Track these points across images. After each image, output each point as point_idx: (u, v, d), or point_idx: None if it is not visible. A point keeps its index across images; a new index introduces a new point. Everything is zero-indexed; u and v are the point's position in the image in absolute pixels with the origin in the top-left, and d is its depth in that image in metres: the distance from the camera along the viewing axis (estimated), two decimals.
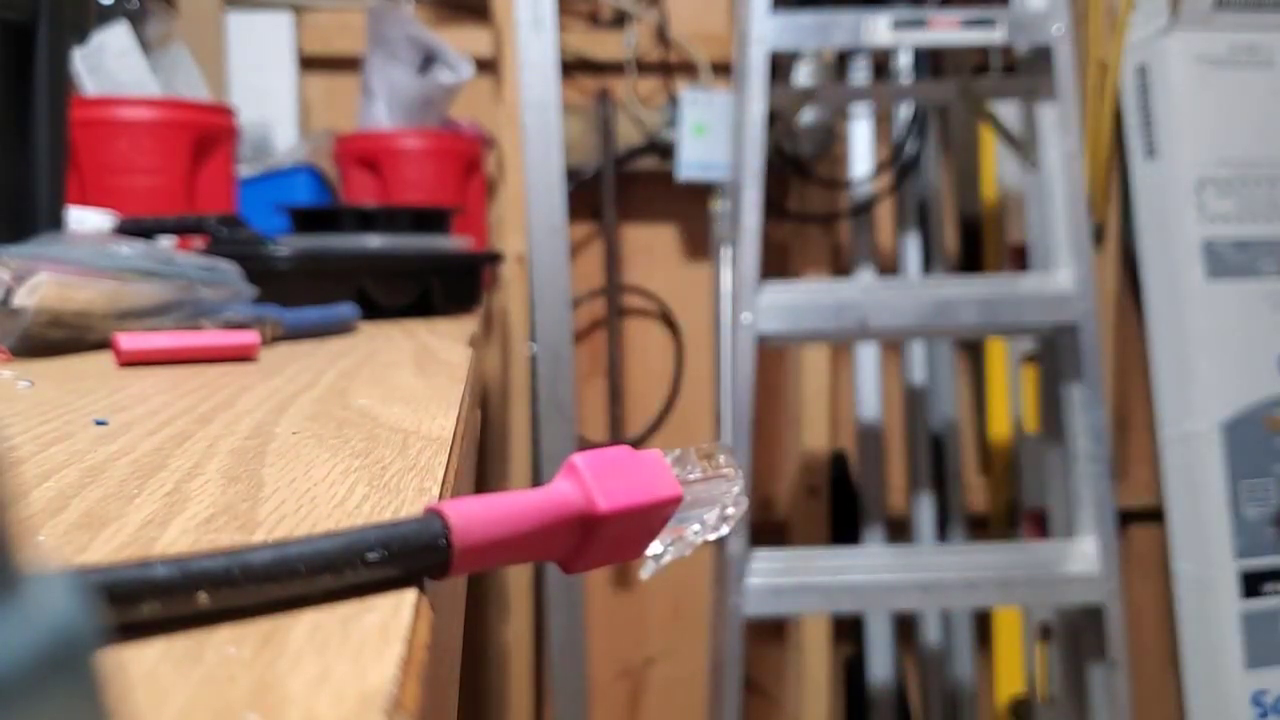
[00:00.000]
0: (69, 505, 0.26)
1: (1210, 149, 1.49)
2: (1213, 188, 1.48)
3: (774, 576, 1.21)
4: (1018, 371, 1.65)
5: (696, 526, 0.28)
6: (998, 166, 1.66)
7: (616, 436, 1.67)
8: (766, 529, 1.69)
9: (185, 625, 0.18)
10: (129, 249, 0.63)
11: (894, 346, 1.71)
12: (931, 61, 1.65)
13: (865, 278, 1.64)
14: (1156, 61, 1.50)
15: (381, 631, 0.18)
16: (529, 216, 1.43)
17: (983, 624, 1.67)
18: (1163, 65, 1.50)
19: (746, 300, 1.21)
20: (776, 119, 1.55)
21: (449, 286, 0.98)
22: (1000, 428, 1.67)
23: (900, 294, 1.24)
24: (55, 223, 0.74)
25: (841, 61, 1.64)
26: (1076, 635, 1.36)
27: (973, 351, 1.73)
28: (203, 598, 0.18)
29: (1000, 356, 1.66)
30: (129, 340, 0.55)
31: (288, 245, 0.87)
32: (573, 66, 1.61)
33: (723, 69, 1.60)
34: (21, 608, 0.09)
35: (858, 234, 1.67)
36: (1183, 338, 1.48)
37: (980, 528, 1.71)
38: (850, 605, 1.27)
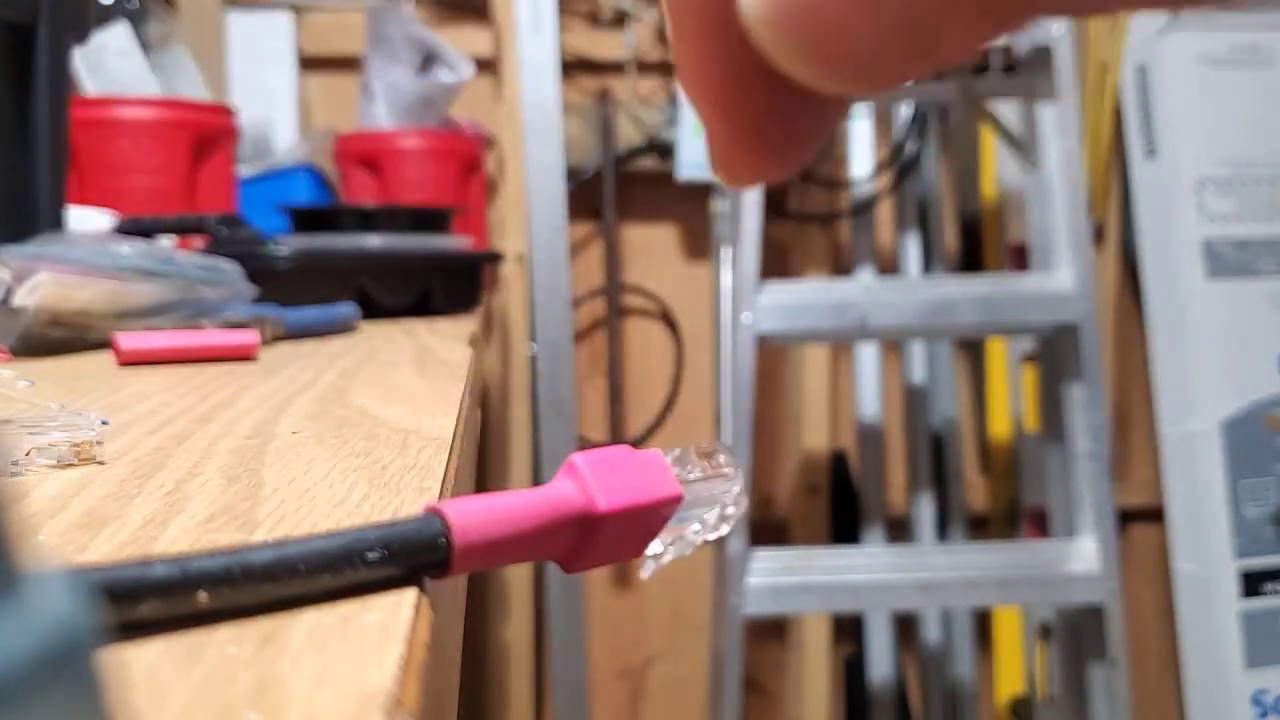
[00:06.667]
0: (69, 505, 0.26)
1: (1210, 149, 1.49)
2: (1213, 187, 1.48)
3: (774, 576, 1.21)
4: (1018, 371, 1.65)
5: (696, 526, 0.28)
6: (998, 166, 1.66)
7: (616, 436, 1.67)
8: (766, 529, 1.69)
9: (185, 625, 0.18)
10: (129, 249, 0.63)
11: (894, 346, 1.71)
12: None
13: (865, 277, 1.64)
14: (1156, 61, 1.50)
15: (381, 631, 0.18)
16: (529, 216, 1.43)
17: (983, 624, 1.67)
18: (1162, 65, 1.50)
19: (746, 300, 1.21)
20: None
21: (449, 286, 0.98)
22: (1000, 427, 1.67)
23: (900, 294, 1.24)
24: (55, 222, 0.74)
25: None
26: (1076, 635, 1.36)
27: (973, 351, 1.73)
28: (203, 597, 0.18)
29: (1000, 356, 1.66)
30: (129, 340, 0.55)
31: (288, 245, 0.87)
32: (573, 66, 1.61)
33: None
34: (21, 607, 0.09)
35: (858, 234, 1.67)
36: (1183, 337, 1.48)
37: (980, 527, 1.71)
38: (850, 605, 1.27)
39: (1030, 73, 1.31)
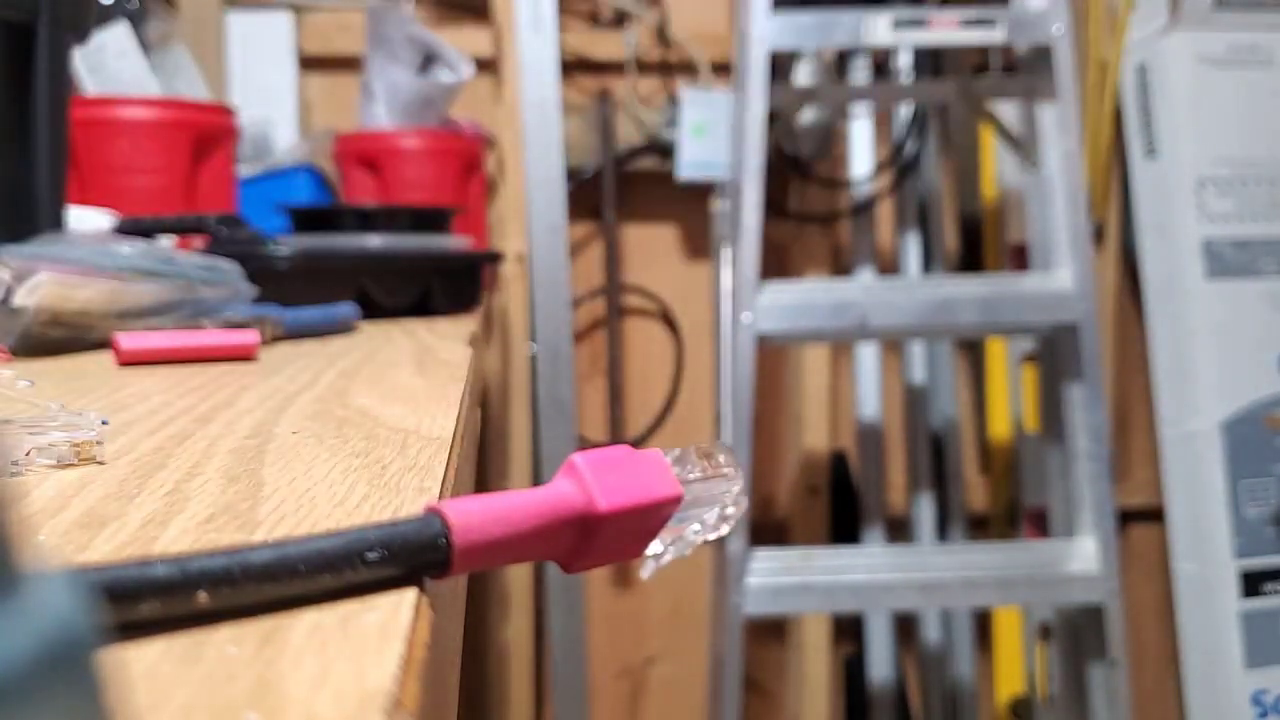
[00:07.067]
0: (69, 504, 0.26)
1: (1210, 148, 1.49)
2: (1213, 187, 1.48)
3: (774, 576, 1.21)
4: (1018, 371, 1.65)
5: (696, 526, 0.28)
6: (998, 166, 1.66)
7: (616, 436, 1.67)
8: (766, 529, 1.69)
9: (185, 624, 0.18)
10: (129, 249, 0.63)
11: (894, 346, 1.71)
12: (931, 61, 1.65)
13: (865, 277, 1.64)
14: (1156, 61, 1.50)
15: (381, 631, 0.18)
16: (529, 216, 1.43)
17: (983, 624, 1.67)
18: (1162, 65, 1.50)
19: (746, 300, 1.21)
20: (776, 119, 1.55)
21: (449, 286, 0.98)
22: (1000, 427, 1.67)
23: (900, 294, 1.24)
24: (55, 222, 0.74)
25: (841, 61, 1.64)
26: (1076, 635, 1.36)
27: (973, 351, 1.73)
28: (203, 597, 0.18)
29: (1000, 356, 1.66)
30: (129, 340, 0.55)
31: (288, 245, 0.87)
32: (573, 66, 1.61)
33: (723, 69, 1.60)
34: (21, 607, 0.09)
35: (858, 234, 1.67)
36: (1183, 337, 1.48)
37: (980, 527, 1.71)
38: (850, 605, 1.27)
39: (1030, 73, 1.31)
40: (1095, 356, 1.23)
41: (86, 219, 0.84)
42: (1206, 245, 1.47)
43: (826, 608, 1.37)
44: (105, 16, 1.13)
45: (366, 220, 0.98)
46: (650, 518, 0.26)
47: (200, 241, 0.86)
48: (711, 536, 0.29)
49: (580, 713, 1.45)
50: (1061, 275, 1.25)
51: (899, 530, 1.68)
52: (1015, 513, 1.68)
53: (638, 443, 1.66)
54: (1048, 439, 1.44)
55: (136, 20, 1.17)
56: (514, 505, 0.23)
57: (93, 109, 1.03)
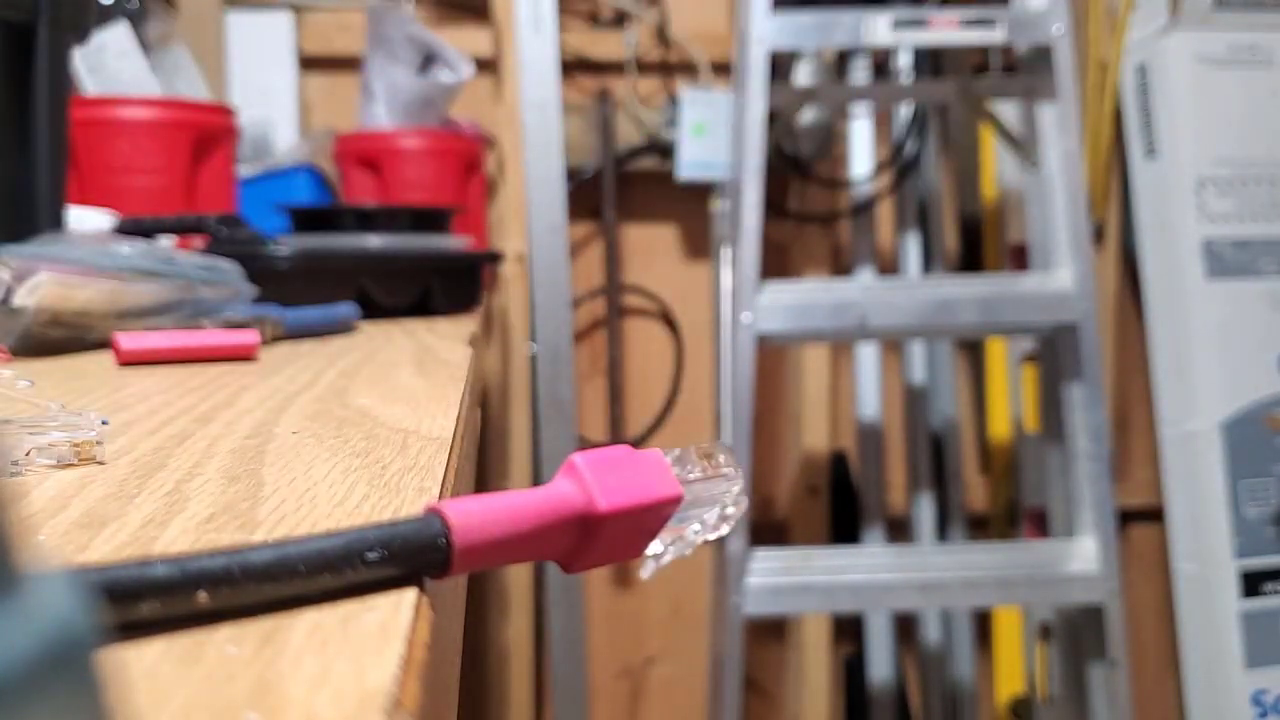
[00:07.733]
0: (69, 504, 0.26)
1: (1210, 149, 1.49)
2: (1213, 187, 1.48)
3: (774, 576, 1.21)
4: (1018, 371, 1.65)
5: (696, 526, 0.28)
6: (998, 166, 1.66)
7: (616, 436, 1.67)
8: (766, 529, 1.69)
9: (185, 624, 0.18)
10: (129, 249, 0.63)
11: (894, 346, 1.71)
12: (931, 61, 1.65)
13: (865, 277, 1.64)
14: (1156, 61, 1.50)
15: (381, 631, 0.18)
16: (529, 216, 1.43)
17: (983, 624, 1.67)
18: (1162, 65, 1.50)
19: (746, 300, 1.21)
20: (776, 119, 1.55)
21: (449, 286, 0.98)
22: (1000, 427, 1.67)
23: (900, 294, 1.24)
24: (55, 223, 0.74)
25: (841, 61, 1.64)
26: (1076, 635, 1.36)
27: (973, 351, 1.73)
28: (202, 597, 0.18)
29: (1000, 356, 1.66)
30: (129, 340, 0.55)
31: (288, 245, 0.87)
32: (573, 66, 1.61)
33: (723, 69, 1.60)
34: (21, 607, 0.09)
35: (858, 234, 1.67)
36: (1183, 337, 1.48)
37: (980, 527, 1.71)
38: (850, 605, 1.27)
39: (1030, 73, 1.31)
40: (1095, 356, 1.23)
41: (86, 219, 0.84)
42: (1206, 245, 1.47)
43: (826, 608, 1.37)
44: (105, 16, 1.13)
45: (366, 220, 0.98)
46: (650, 518, 0.26)
47: (200, 241, 0.86)
48: (711, 536, 0.29)
49: (580, 713, 1.45)
50: (1061, 275, 1.25)
51: (899, 530, 1.68)
52: (1015, 513, 1.68)
53: (638, 443, 1.66)
54: (1048, 439, 1.45)
55: (136, 20, 1.17)
56: (514, 505, 0.23)
57: (93, 109, 1.03)
